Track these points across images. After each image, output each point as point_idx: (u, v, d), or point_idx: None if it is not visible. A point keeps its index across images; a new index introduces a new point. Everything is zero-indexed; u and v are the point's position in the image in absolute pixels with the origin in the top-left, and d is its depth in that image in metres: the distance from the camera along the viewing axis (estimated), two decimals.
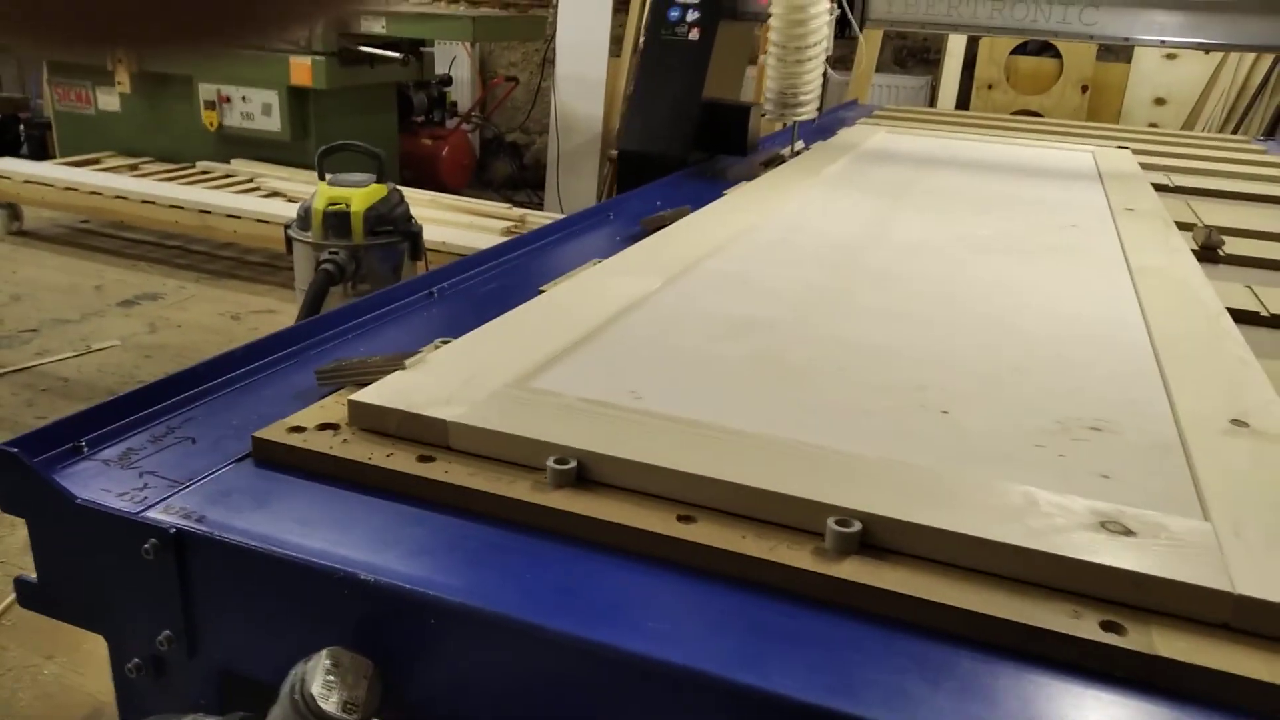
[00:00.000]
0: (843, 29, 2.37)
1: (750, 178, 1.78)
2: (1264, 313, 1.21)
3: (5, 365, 3.19)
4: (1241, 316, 1.15)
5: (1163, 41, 2.16)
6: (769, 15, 1.87)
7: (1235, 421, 0.81)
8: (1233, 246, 1.50)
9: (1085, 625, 0.57)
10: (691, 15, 2.02)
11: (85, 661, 1.85)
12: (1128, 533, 0.63)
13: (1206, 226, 1.53)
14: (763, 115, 1.98)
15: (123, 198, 4.22)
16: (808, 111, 1.95)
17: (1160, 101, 4.40)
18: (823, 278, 1.19)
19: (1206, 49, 3.25)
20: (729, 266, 1.21)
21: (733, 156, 2.05)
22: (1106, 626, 0.57)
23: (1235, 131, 4.05)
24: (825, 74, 1.95)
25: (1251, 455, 0.75)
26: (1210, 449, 0.76)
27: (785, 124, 2.15)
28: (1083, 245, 1.41)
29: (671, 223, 1.39)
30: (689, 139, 1.96)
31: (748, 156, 2.04)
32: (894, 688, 0.54)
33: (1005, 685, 0.55)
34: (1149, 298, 1.15)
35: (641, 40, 2.10)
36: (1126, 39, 2.19)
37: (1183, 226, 1.58)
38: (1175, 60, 4.31)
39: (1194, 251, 1.43)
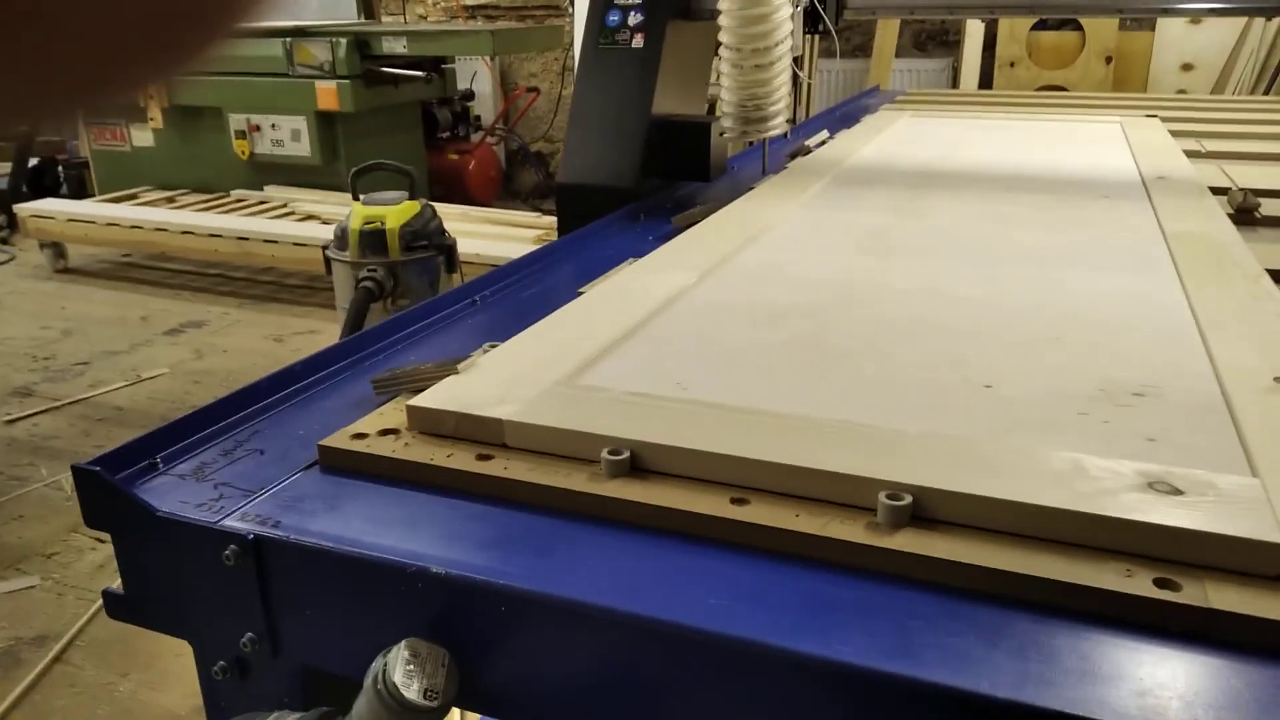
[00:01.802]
0: (814, 23, 2.09)
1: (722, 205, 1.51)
2: None
3: (61, 398, 3.29)
4: None
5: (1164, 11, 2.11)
6: None
7: (1279, 379, 0.82)
8: (1269, 208, 1.49)
9: (1138, 583, 0.58)
10: (634, 18, 1.69)
11: (160, 678, 1.90)
12: (1176, 492, 0.64)
13: (1241, 189, 1.52)
14: (721, 134, 1.69)
15: (163, 230, 4.33)
16: (777, 126, 1.65)
17: (1188, 67, 4.34)
18: (858, 262, 1.20)
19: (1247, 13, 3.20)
20: (763, 257, 1.23)
21: (697, 182, 1.75)
22: (1160, 584, 0.58)
23: (1267, 92, 3.98)
24: (795, 77, 1.67)
25: None
26: (1254, 407, 0.77)
27: (750, 142, 1.81)
28: (1116, 216, 1.41)
29: (703, 219, 1.41)
30: (638, 166, 1.63)
31: (715, 181, 1.75)
32: (953, 650, 0.55)
33: (1062, 644, 0.56)
34: (1185, 263, 1.15)
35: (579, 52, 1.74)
36: (1147, 10, 2.16)
37: (1217, 191, 1.57)
38: (1200, 24, 4.25)
39: (1230, 215, 1.43)
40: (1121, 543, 0.61)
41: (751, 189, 1.61)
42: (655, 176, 1.69)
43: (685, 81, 1.78)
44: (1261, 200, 1.49)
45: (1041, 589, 0.59)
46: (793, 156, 1.95)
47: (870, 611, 0.59)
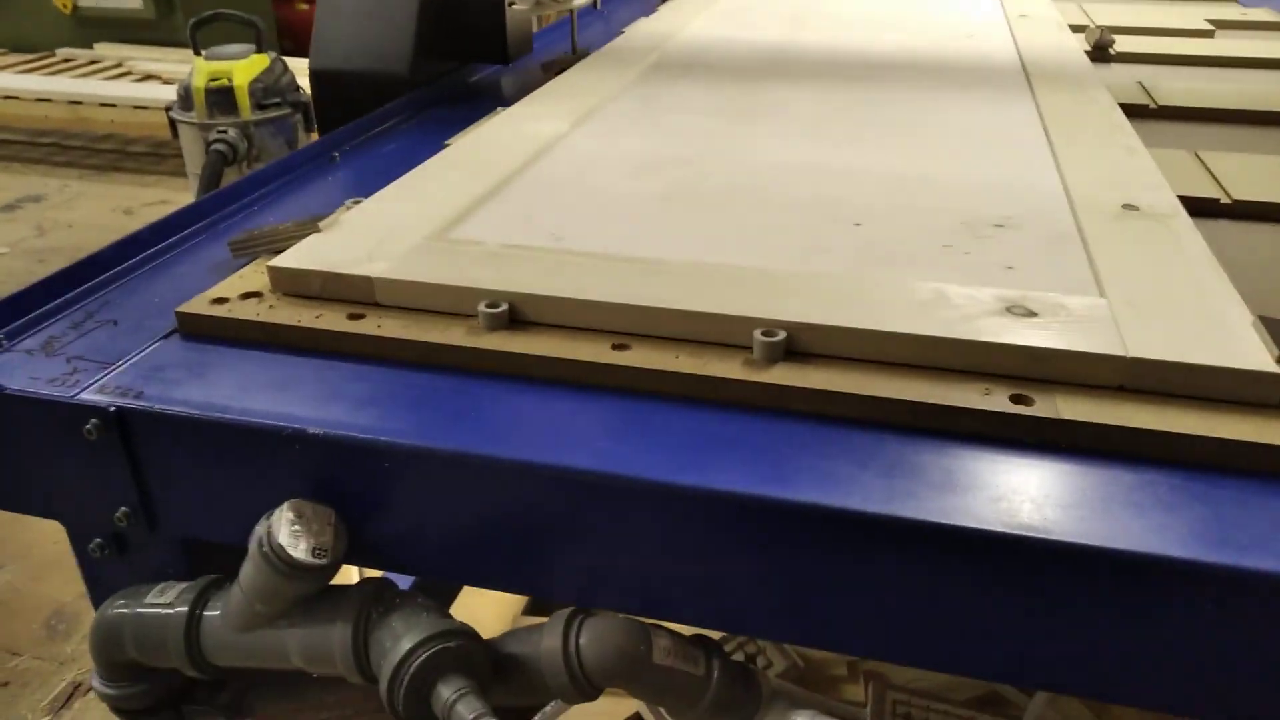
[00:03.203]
0: None
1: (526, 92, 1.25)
2: (1152, 105, 1.25)
3: None
4: (1132, 110, 1.19)
5: None
6: None
7: (1126, 206, 0.86)
8: (1123, 45, 1.53)
9: (996, 400, 0.62)
10: None
11: (38, 567, 1.85)
12: (1030, 314, 0.67)
13: (1098, 27, 1.55)
14: (510, 4, 1.39)
15: None
16: None
17: None
18: (729, 107, 1.19)
19: None
20: (637, 105, 1.20)
21: (494, 65, 1.46)
22: (1016, 399, 0.62)
23: None
24: None
25: (1142, 234, 0.80)
26: (1104, 233, 0.81)
27: (545, 17, 1.54)
28: (980, 55, 1.43)
29: (574, 64, 1.36)
30: (414, 46, 1.30)
31: (517, 62, 1.45)
32: (825, 472, 0.58)
33: (928, 461, 0.59)
34: (1045, 99, 1.18)
35: None
36: None
37: (1076, 29, 1.61)
38: None
39: (1087, 52, 1.46)
40: (982, 364, 0.64)
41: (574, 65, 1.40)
42: (440, 59, 1.39)
43: None
44: (1116, 37, 1.53)
45: (907, 412, 0.62)
46: (664, 2, 1.89)
47: (748, 443, 0.61)
